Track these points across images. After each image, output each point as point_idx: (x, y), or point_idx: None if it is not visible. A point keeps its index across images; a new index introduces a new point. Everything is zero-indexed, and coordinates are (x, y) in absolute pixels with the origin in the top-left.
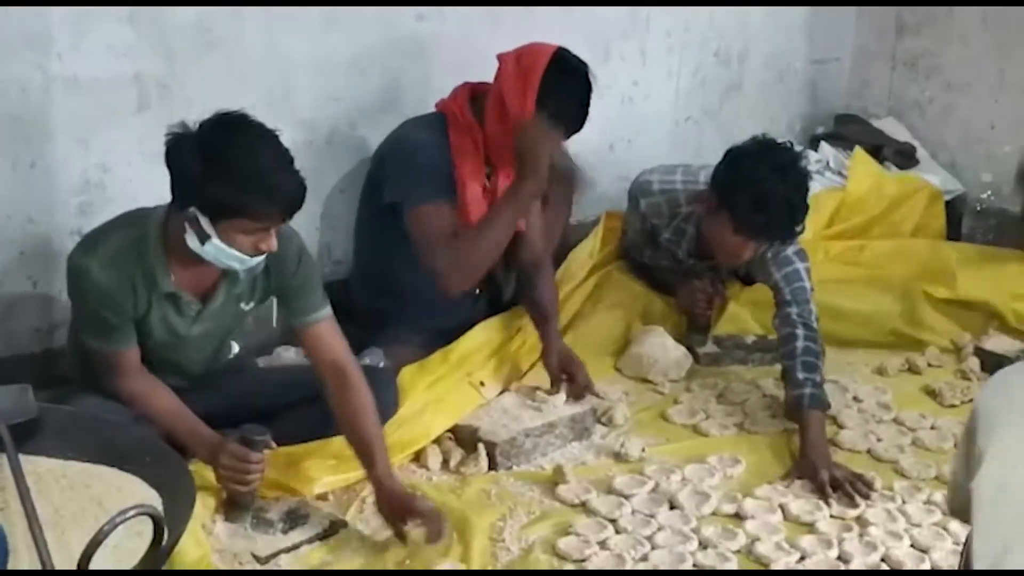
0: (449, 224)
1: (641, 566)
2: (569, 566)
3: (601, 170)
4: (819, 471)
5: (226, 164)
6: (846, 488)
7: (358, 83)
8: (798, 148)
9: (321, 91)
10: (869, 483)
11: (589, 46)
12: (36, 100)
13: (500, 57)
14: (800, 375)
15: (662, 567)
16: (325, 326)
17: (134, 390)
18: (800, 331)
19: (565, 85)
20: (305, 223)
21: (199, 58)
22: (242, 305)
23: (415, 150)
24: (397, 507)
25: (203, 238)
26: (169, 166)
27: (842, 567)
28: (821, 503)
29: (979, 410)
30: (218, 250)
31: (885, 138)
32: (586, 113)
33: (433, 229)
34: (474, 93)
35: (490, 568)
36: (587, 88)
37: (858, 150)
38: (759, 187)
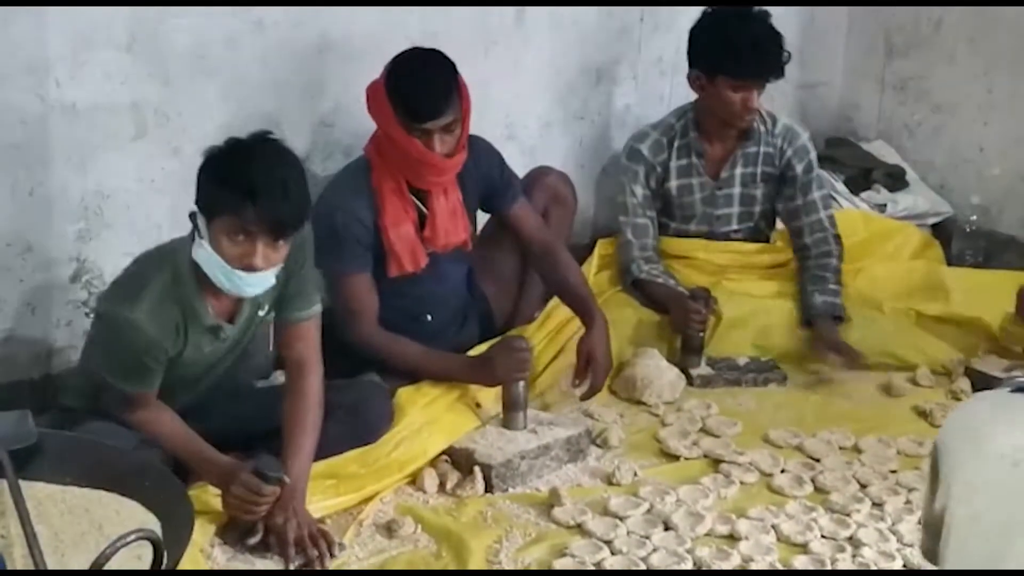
0: (367, 293)
1: None
2: None
3: (594, 193)
4: (829, 351)
5: (224, 163)
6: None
7: (352, 109)
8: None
9: (315, 118)
10: (864, 365)
11: (582, 71)
12: (34, 127)
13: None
14: (832, 285)
15: None
16: (309, 326)
17: (144, 418)
18: (834, 246)
19: (403, 82)
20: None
21: (195, 85)
22: (260, 312)
23: (332, 213)
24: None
25: (199, 239)
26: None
27: None
28: (812, 524)
29: (941, 444)
30: (208, 254)
31: (875, 161)
32: (437, 93)
33: (351, 301)
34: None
35: None
36: (428, 70)
37: (840, 213)
38: (737, 36)
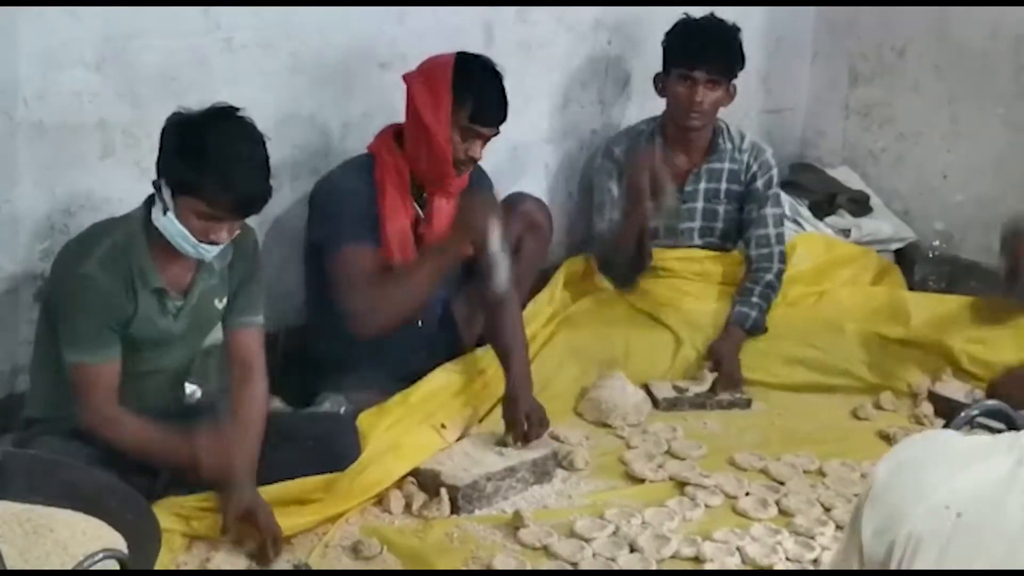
0: (370, 266)
1: None
2: None
3: (559, 217)
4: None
5: (198, 143)
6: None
7: (321, 132)
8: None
9: (285, 140)
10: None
11: (549, 96)
12: (1, 145)
13: (406, 78)
14: (755, 299)
15: None
16: (255, 332)
17: (109, 415)
18: (775, 267)
19: (477, 82)
20: (270, 269)
21: (165, 106)
22: (216, 303)
23: (338, 191)
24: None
25: (164, 209)
26: (160, 140)
27: None
28: (777, 547)
29: (878, 489)
30: (172, 225)
31: (839, 186)
32: (506, 102)
33: (353, 271)
34: (398, 130)
35: None
36: (498, 78)
37: (803, 236)
38: (690, 26)
